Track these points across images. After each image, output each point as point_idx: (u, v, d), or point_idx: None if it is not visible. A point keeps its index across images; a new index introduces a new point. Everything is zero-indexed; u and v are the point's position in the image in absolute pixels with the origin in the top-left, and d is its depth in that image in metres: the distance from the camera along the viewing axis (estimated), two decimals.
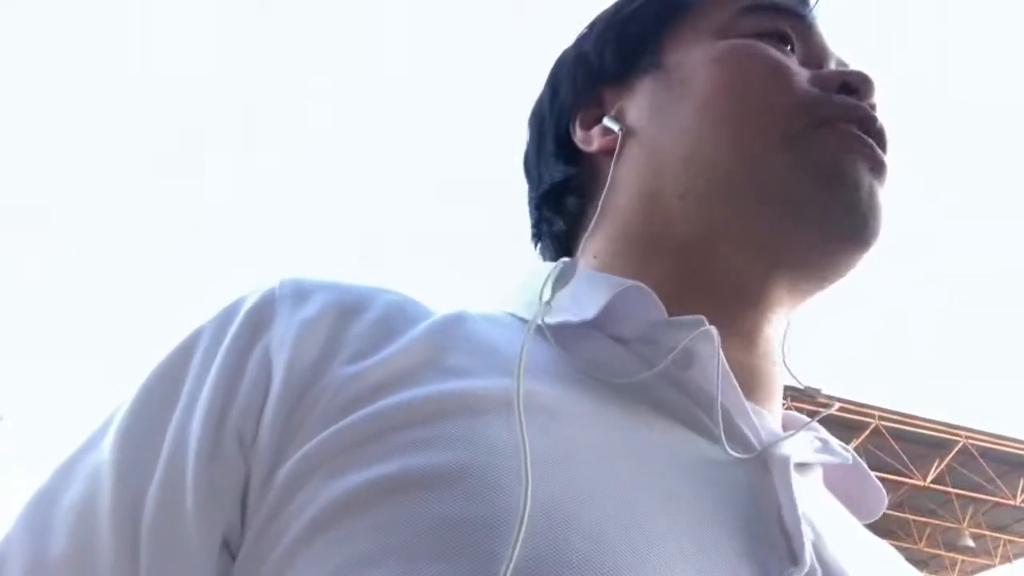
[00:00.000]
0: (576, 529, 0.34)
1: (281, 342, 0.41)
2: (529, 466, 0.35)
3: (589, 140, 0.58)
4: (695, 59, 0.55)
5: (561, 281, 0.47)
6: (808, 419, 0.51)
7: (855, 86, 0.54)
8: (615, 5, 0.63)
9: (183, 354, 0.43)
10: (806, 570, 0.38)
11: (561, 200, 0.60)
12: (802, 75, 0.54)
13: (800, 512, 0.40)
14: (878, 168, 0.52)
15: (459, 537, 0.33)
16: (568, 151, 0.60)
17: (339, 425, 0.38)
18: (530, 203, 0.64)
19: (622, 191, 0.55)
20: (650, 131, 0.55)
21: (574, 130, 0.60)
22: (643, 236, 0.54)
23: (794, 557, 0.39)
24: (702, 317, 0.46)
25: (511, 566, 0.31)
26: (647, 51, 0.58)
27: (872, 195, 0.51)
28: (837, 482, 0.53)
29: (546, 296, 0.46)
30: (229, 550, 0.39)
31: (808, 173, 0.50)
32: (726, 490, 0.41)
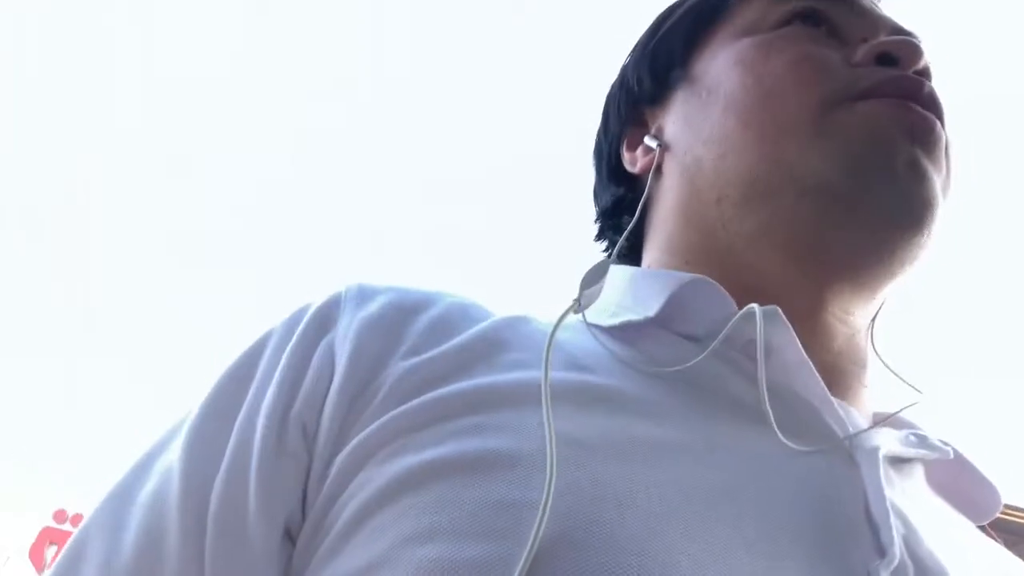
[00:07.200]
0: (629, 516, 0.33)
1: (344, 338, 0.43)
2: (554, 450, 0.35)
3: (635, 161, 0.60)
4: (719, 64, 0.54)
5: (587, 282, 0.47)
6: (895, 412, 0.48)
7: (895, 55, 0.48)
8: (651, 27, 0.63)
9: (252, 355, 0.45)
10: (895, 564, 0.35)
11: (618, 220, 0.62)
12: (833, 58, 0.50)
13: (888, 504, 0.38)
14: (922, 133, 0.46)
15: (507, 519, 0.33)
16: (619, 175, 0.62)
17: (394, 413, 0.38)
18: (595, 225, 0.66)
19: (664, 204, 0.55)
20: (683, 143, 0.54)
21: (623, 154, 0.61)
22: (685, 245, 0.53)
23: (882, 550, 0.36)
24: (776, 308, 0.43)
25: (534, 548, 0.31)
26: (676, 65, 0.58)
27: (914, 166, 0.45)
28: (944, 482, 0.49)
29: (573, 295, 0.46)
30: (291, 539, 0.39)
31: (837, 162, 0.45)
32: (803, 482, 0.39)
